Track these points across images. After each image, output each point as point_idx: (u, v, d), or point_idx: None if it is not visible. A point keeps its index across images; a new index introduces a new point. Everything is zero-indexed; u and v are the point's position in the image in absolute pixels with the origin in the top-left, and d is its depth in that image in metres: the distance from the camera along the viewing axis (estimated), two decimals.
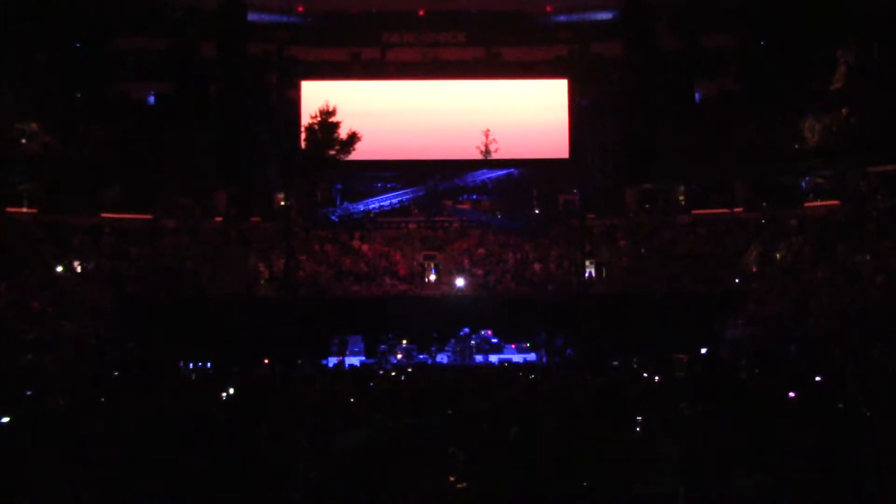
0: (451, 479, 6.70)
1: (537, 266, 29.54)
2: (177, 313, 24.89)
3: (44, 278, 25.78)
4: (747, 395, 11.75)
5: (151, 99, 32.35)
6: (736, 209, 30.28)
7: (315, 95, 32.36)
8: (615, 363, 21.29)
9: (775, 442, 7.11)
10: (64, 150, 28.41)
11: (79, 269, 27.19)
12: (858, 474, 5.98)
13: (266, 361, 22.40)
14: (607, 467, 6.97)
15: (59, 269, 26.68)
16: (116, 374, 18.20)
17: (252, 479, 7.20)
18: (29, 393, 12.90)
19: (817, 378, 13.73)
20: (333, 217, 31.91)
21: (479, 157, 31.76)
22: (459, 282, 28.55)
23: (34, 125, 28.23)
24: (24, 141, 28.11)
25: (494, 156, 31.81)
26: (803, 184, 29.97)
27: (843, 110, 28.55)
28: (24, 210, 27.60)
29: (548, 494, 6.67)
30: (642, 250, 29.68)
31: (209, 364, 22.25)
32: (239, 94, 31.22)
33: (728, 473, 6.13)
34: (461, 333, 25.10)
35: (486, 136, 31.52)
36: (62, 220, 28.05)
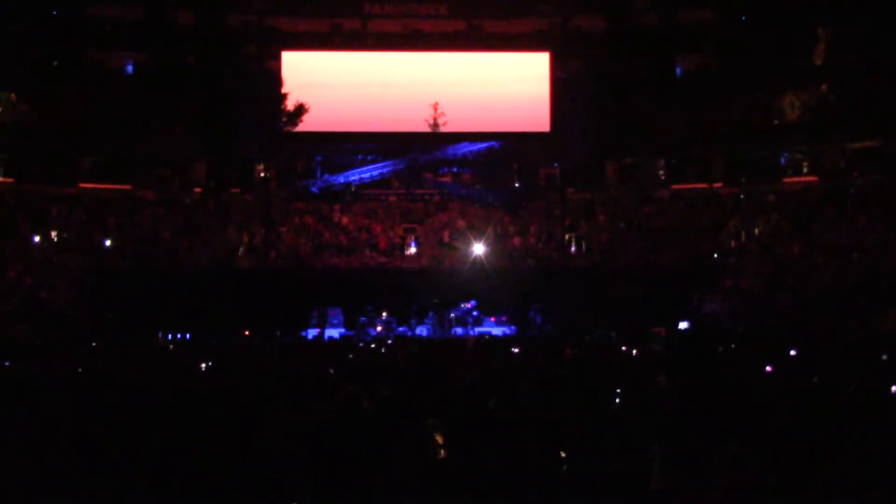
0: (430, 449, 6.69)
1: (517, 240, 29.57)
2: (154, 285, 24.79)
3: (20, 249, 25.58)
4: (723, 368, 11.82)
5: (129, 68, 31.95)
6: (714, 184, 30.38)
7: (296, 66, 32.25)
8: (593, 336, 21.34)
9: (750, 414, 7.17)
10: (40, 119, 28.10)
11: (56, 240, 26.99)
12: (832, 448, 6.03)
13: (245, 333, 22.32)
14: (586, 438, 6.99)
15: (37, 239, 26.46)
16: (94, 344, 18.09)
17: (229, 453, 7.15)
18: (6, 363, 12.80)
19: (792, 352, 13.83)
20: (314, 189, 31.75)
21: (428, 130, 31.54)
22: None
23: (13, 95, 27.88)
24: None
25: (458, 129, 31.69)
26: (782, 160, 30.10)
27: (823, 86, 28.64)
28: (0, 180, 27.33)
29: (528, 465, 6.69)
30: (621, 224, 29.76)
31: (187, 336, 22.15)
32: (217, 65, 30.90)
33: (704, 445, 6.16)
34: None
35: (435, 109, 31.36)
36: (39, 189, 27.80)
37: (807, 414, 7.00)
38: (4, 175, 27.47)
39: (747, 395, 8.25)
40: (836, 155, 28.43)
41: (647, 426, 7.24)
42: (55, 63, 29.77)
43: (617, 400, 8.40)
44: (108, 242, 27.14)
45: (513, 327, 25.13)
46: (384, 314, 25.07)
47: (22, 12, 28.63)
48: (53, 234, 27.11)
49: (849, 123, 27.44)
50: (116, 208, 28.65)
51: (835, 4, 28.13)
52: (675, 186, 31.10)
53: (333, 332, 24.07)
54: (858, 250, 24.55)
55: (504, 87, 32.31)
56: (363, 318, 24.75)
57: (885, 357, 12.59)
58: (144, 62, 31.32)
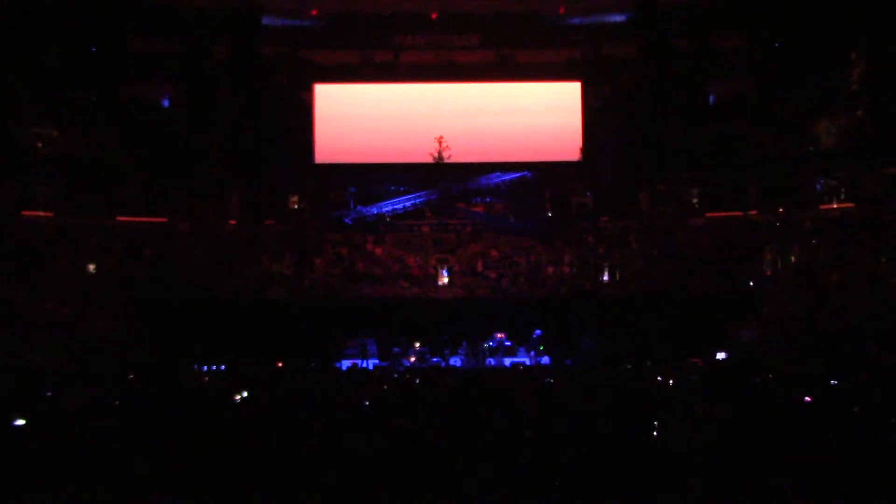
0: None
1: (550, 269, 29.49)
2: (190, 316, 24.97)
3: (58, 280, 25.90)
4: (762, 399, 11.68)
5: (166, 102, 32.43)
6: (750, 211, 30.16)
7: (329, 98, 32.66)
8: (629, 366, 21.18)
9: (791, 445, 7.08)
10: (79, 153, 28.53)
11: (93, 271, 27.33)
12: (878, 476, 5.94)
13: (279, 364, 22.39)
14: (625, 468, 6.94)
15: (74, 271, 26.80)
16: (132, 376, 18.22)
17: (262, 481, 7.20)
18: (49, 394, 12.91)
19: (833, 381, 13.64)
20: (347, 220, 31.96)
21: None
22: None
23: (55, 132, 28.35)
24: (40, 145, 28.26)
25: (491, 159, 31.93)
26: (818, 186, 29.84)
27: (858, 111, 28.43)
28: (40, 213, 27.74)
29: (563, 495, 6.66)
30: (655, 252, 29.59)
31: (223, 367, 22.25)
32: (251, 97, 31.31)
33: (746, 476, 6.10)
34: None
35: (440, 142, 31.45)
36: (77, 222, 28.18)
37: (850, 444, 6.90)
38: (43, 208, 27.82)
39: (787, 426, 8.16)
40: (873, 180, 28.13)
41: (685, 458, 7.18)
42: (93, 98, 30.20)
43: (655, 432, 8.34)
44: (144, 273, 27.42)
45: (546, 357, 25.00)
46: (417, 345, 25.03)
47: (60, 46, 29.16)
48: (91, 265, 27.45)
49: (885, 148, 27.17)
50: (153, 240, 28.95)
51: (869, 29, 27.98)
52: (709, 214, 30.90)
53: (367, 363, 24.08)
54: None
55: (536, 116, 32.44)
56: (396, 349, 24.74)
57: None
58: (180, 95, 31.78)
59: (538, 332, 25.19)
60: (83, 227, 28.29)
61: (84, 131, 29.05)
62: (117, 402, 11.89)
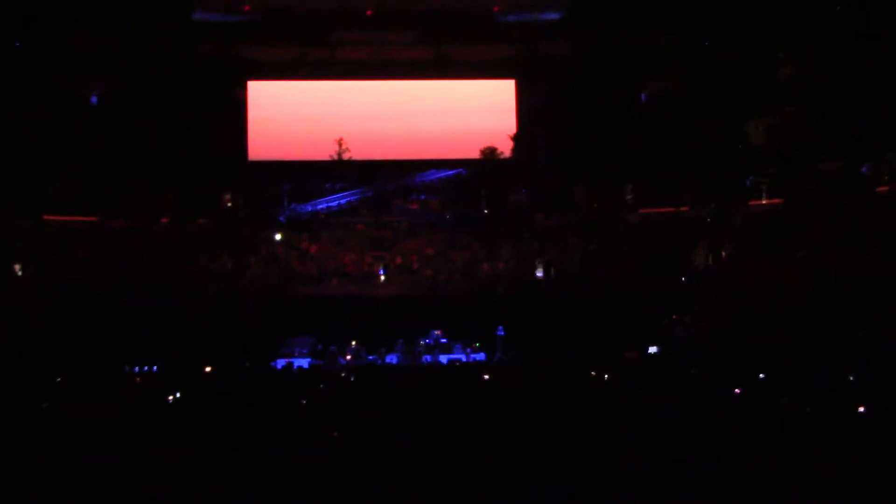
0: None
1: (486, 265, 29.66)
2: (121, 316, 24.59)
3: None
4: (694, 391, 11.93)
5: (94, 99, 31.81)
6: (682, 207, 30.68)
7: (263, 95, 32.45)
8: (564, 361, 21.43)
9: (720, 436, 7.28)
10: (4, 151, 27.84)
11: (20, 273, 26.71)
12: (800, 469, 6.15)
13: (210, 365, 22.17)
14: (559, 463, 7.06)
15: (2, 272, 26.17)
16: (59, 379, 17.90)
17: (206, 484, 7.17)
18: None
19: (761, 375, 13.98)
20: (281, 218, 31.75)
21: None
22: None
23: None
24: None
25: (427, 156, 32.12)
26: (748, 182, 30.46)
27: (786, 110, 29.10)
28: None
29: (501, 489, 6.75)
30: (591, 247, 29.92)
31: (154, 367, 21.96)
32: (185, 94, 30.91)
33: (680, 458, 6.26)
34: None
35: (340, 143, 31.58)
36: (2, 222, 27.50)
37: (775, 434, 7.11)
38: None
39: (716, 417, 8.37)
40: (802, 177, 28.81)
41: (622, 448, 7.34)
42: (20, 92, 29.42)
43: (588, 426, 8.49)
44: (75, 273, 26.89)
45: (482, 354, 25.18)
46: (353, 343, 25.04)
47: None
48: (17, 267, 26.83)
49: (812, 146, 27.86)
50: (83, 239, 28.40)
51: (797, 30, 28.65)
52: (643, 210, 31.36)
53: (302, 362, 23.99)
54: (825, 270, 24.81)
55: (471, 113, 32.61)
56: (333, 347, 24.72)
57: (851, 378, 12.77)
58: (111, 91, 31.21)
59: (501, 330, 25.43)
60: (10, 228, 27.61)
61: (10, 128, 28.34)
62: (45, 406, 11.72)
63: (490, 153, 32.02)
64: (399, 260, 30.09)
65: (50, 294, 25.52)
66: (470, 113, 32.72)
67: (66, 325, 24.13)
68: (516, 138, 32.78)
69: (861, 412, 8.91)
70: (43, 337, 23.41)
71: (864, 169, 27.42)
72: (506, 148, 32.43)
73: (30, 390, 14.07)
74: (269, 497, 6.93)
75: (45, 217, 28.50)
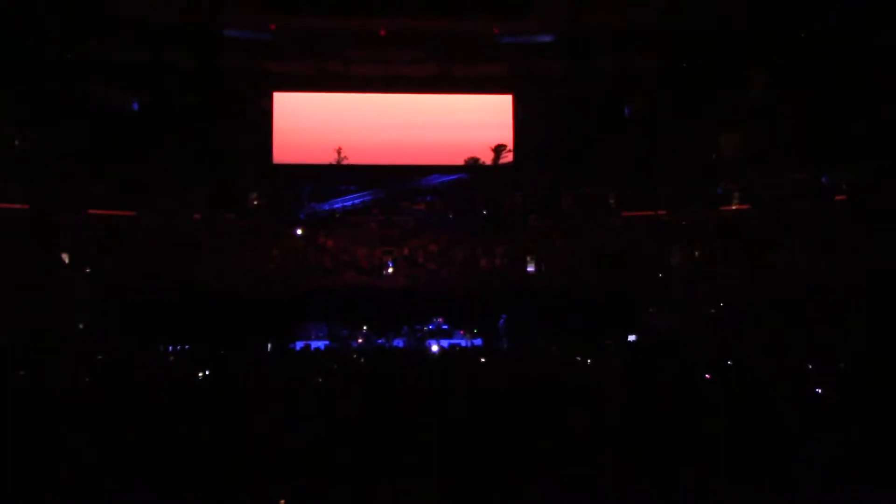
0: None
1: (483, 261, 29.71)
2: (156, 306, 24.63)
3: (30, 273, 25.21)
4: (671, 375, 11.94)
5: (136, 106, 31.80)
6: (660, 211, 30.69)
7: (286, 105, 32.58)
8: (554, 348, 21.46)
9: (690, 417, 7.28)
10: (52, 149, 27.78)
11: (66, 263, 26.72)
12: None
13: (236, 347, 22.21)
14: (542, 447, 7.06)
15: (46, 264, 26.13)
16: (100, 357, 17.93)
17: (223, 461, 7.17)
18: (22, 373, 12.64)
19: (729, 362, 14.01)
20: (301, 216, 31.80)
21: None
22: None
23: (32, 128, 27.55)
24: (16, 143, 27.50)
25: (432, 162, 32.30)
26: (719, 189, 30.45)
27: (756, 123, 29.05)
28: (15, 206, 26.97)
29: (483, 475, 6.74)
30: (578, 248, 29.97)
31: (187, 347, 22.00)
32: (215, 103, 30.96)
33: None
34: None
35: (338, 152, 31.84)
36: (49, 216, 27.47)
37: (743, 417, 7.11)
38: (16, 201, 26.98)
39: (689, 398, 8.38)
40: (769, 185, 28.78)
41: (598, 427, 7.34)
42: (63, 98, 29.28)
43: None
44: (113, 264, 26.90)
45: (479, 339, 25.25)
46: (364, 328, 25.17)
47: (39, 54, 28.35)
48: (63, 257, 26.86)
49: (780, 156, 27.83)
50: (122, 233, 28.41)
51: (766, 51, 28.58)
52: (625, 213, 31.40)
53: (319, 344, 24.05)
54: (789, 272, 24.81)
55: (472, 124, 32.75)
56: (345, 332, 24.83)
57: (810, 366, 12.79)
58: (152, 101, 31.22)
59: (503, 317, 25.47)
60: (55, 221, 27.59)
61: (59, 133, 28.28)
62: (87, 380, 11.74)
63: (490, 160, 32.28)
64: (406, 252, 30.21)
65: (93, 281, 25.58)
66: (471, 124, 32.83)
67: (108, 309, 24.17)
68: (513, 148, 32.91)
69: (818, 393, 8.93)
70: (87, 319, 23.46)
71: (823, 179, 27.39)
72: (504, 157, 32.63)
73: (76, 366, 14.10)
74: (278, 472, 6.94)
75: (90, 211, 28.51)
